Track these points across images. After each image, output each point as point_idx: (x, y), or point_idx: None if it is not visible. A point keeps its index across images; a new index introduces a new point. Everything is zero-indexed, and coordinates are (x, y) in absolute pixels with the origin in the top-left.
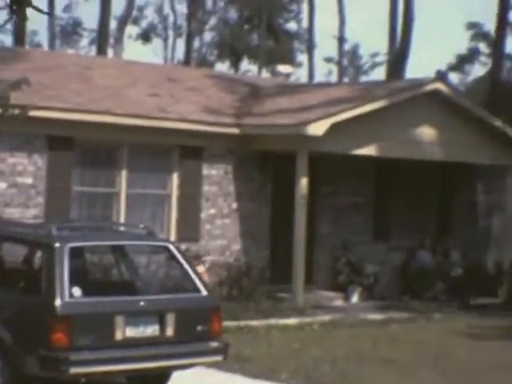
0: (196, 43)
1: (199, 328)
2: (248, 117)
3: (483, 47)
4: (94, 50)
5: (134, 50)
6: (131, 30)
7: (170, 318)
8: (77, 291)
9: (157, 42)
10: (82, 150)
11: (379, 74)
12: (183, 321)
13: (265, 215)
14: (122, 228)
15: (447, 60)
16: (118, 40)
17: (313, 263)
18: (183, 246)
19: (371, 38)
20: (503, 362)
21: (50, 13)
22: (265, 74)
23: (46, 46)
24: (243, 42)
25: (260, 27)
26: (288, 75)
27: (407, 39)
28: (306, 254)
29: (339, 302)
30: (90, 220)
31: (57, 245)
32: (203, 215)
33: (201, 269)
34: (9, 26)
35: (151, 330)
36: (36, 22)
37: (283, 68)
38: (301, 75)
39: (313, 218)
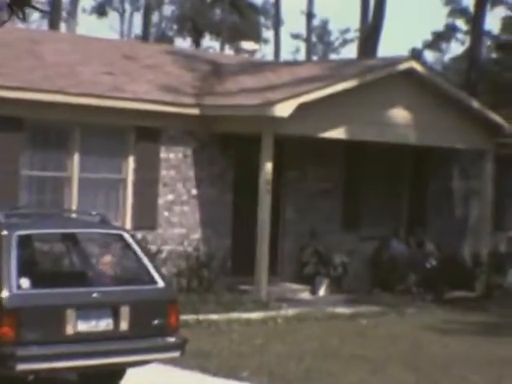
0: (155, 17)
1: (155, 322)
2: (209, 96)
3: (461, 24)
4: (45, 25)
5: (88, 25)
6: (85, 2)
7: (125, 312)
8: (25, 282)
9: (113, 16)
10: (31, 132)
11: (350, 51)
12: (138, 314)
13: (227, 202)
14: (73, 215)
15: (423, 37)
16: (72, 14)
17: (278, 253)
18: (139, 235)
19: (342, 13)
20: (476, 358)
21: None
22: (228, 51)
23: None
24: (205, 17)
25: (223, 1)
26: (252, 52)
27: (380, 14)
28: (271, 244)
29: (305, 295)
30: (39, 206)
31: (4, 233)
32: (161, 202)
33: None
34: None
35: (104, 324)
36: None
37: (247, 45)
38: (266, 53)
39: (278, 205)
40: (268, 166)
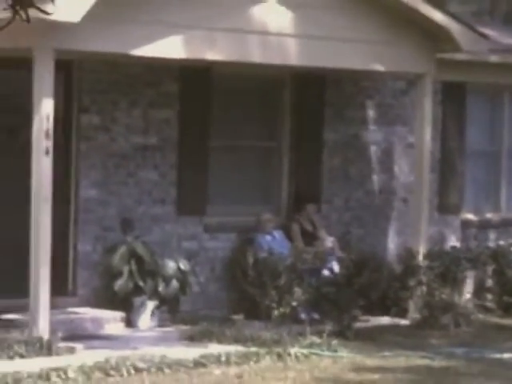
0: None
1: None
2: None
3: None
4: None
5: None
6: None
7: None
8: None
9: None
10: None
11: None
12: None
13: None
14: None
15: None
16: None
17: (68, 258)
18: None
19: None
20: None
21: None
22: None
23: None
24: None
25: None
26: None
27: None
28: (56, 242)
29: (117, 328)
30: None
31: None
32: None
33: None
34: None
35: None
36: None
37: None
38: None
39: (67, 174)
40: (46, 107)
